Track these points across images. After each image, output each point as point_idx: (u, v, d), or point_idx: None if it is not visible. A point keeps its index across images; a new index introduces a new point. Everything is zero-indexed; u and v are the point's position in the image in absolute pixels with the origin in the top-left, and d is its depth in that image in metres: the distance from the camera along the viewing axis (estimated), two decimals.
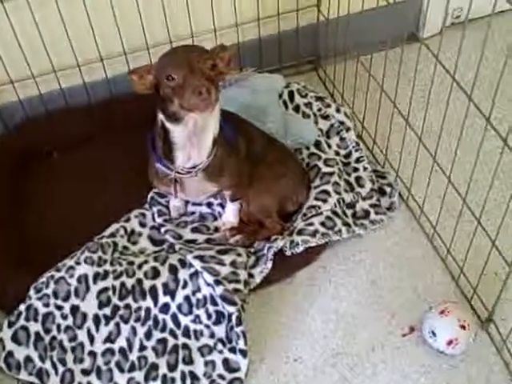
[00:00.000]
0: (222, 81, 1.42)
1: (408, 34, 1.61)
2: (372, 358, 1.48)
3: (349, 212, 1.72)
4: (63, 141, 2.02)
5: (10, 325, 1.48)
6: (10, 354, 1.44)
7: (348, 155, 1.86)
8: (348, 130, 1.88)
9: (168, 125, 1.39)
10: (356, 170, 1.82)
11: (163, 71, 1.30)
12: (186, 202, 1.77)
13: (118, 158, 1.90)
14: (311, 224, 1.64)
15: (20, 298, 1.51)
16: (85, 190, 1.88)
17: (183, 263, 1.56)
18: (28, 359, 1.44)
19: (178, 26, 1.98)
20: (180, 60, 1.29)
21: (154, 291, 1.52)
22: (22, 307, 1.49)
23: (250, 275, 1.56)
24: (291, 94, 1.97)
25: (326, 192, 1.71)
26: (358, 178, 1.80)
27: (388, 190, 1.79)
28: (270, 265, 1.56)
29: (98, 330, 1.49)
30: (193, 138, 1.40)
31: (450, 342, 1.41)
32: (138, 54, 1.99)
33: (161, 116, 1.39)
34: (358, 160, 1.84)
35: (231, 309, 1.45)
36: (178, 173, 1.47)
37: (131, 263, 1.57)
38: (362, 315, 1.56)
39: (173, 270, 1.55)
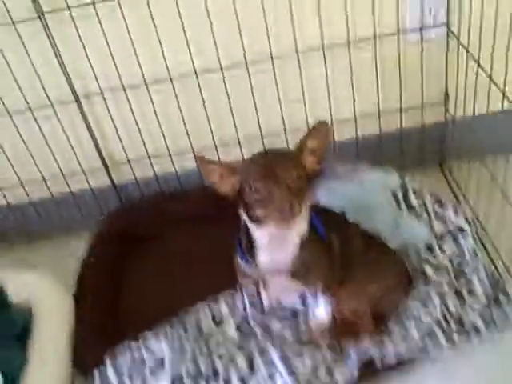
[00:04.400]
0: (313, 178, 1.44)
1: None
2: None
3: (454, 325, 1.65)
4: (175, 222, 2.21)
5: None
6: None
7: (462, 263, 1.81)
8: (465, 236, 1.84)
9: (250, 225, 1.43)
10: (470, 281, 1.76)
11: (248, 180, 1.35)
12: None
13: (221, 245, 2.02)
14: (407, 331, 1.61)
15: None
16: (182, 274, 2.01)
17: (266, 359, 1.59)
18: None
19: (294, 117, 2.13)
20: (265, 171, 1.33)
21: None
22: (96, 374, 1.61)
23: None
24: (406, 193, 1.99)
25: (430, 299, 1.67)
26: (470, 290, 1.73)
27: (505, 304, 1.70)
28: (355, 373, 1.54)
29: None
30: (276, 241, 1.44)
31: None
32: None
33: (244, 216, 1.45)
34: (473, 270, 1.78)
35: None
36: (260, 272, 1.53)
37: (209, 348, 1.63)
38: None
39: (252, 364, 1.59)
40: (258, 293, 1.80)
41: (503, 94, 1.63)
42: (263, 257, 1.49)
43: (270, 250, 1.48)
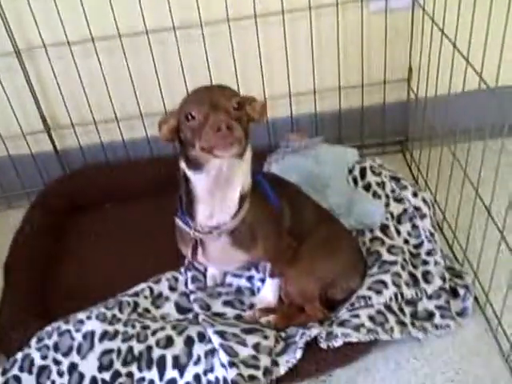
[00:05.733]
0: (250, 125, 1.31)
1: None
2: None
3: (407, 310, 1.54)
4: (119, 192, 2.07)
5: (4, 372, 1.43)
6: None
7: (419, 245, 1.70)
8: (423, 217, 1.74)
9: (189, 173, 1.31)
10: (425, 263, 1.65)
11: (184, 110, 1.24)
12: (225, 273, 1.69)
13: (169, 216, 1.88)
14: (357, 316, 1.48)
15: (22, 346, 1.47)
16: (127, 245, 1.90)
17: (202, 337, 1.46)
18: None
19: (253, 90, 1.99)
20: (202, 98, 1.23)
21: (162, 362, 1.42)
22: (19, 355, 1.44)
23: (275, 363, 1.42)
24: (363, 171, 1.87)
25: (383, 282, 1.55)
26: (425, 273, 1.62)
27: (462, 291, 1.60)
28: (299, 355, 1.41)
29: None
30: (216, 190, 1.32)
31: None
32: None
33: (182, 164, 1.33)
34: (429, 252, 1.67)
35: None
36: (198, 231, 1.39)
37: (146, 327, 1.49)
38: None
39: (189, 342, 1.44)
40: (205, 269, 1.68)
41: (468, 63, 1.50)
42: (202, 211, 1.35)
43: (209, 203, 1.34)
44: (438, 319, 1.54)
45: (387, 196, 1.81)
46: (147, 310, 1.59)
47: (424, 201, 1.77)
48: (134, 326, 1.49)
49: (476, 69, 1.45)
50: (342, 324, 1.47)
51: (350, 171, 1.88)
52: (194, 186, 1.33)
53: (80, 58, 1.92)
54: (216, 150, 1.18)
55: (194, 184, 1.32)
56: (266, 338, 1.45)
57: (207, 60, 1.92)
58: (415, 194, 1.79)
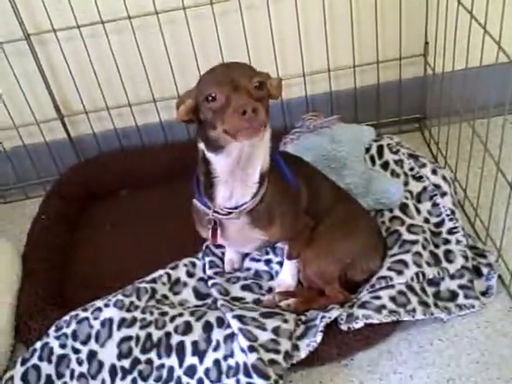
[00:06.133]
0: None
1: None
2: None
3: (430, 290, 1.51)
4: (134, 179, 2.05)
5: (23, 362, 1.43)
6: None
7: (440, 224, 1.65)
8: (444, 195, 1.69)
9: (209, 155, 1.28)
10: (447, 242, 1.61)
11: (203, 91, 1.19)
12: (244, 256, 1.66)
13: (185, 202, 1.86)
14: (378, 297, 1.44)
15: (41, 335, 1.46)
16: (143, 231, 1.88)
17: (221, 322, 1.43)
18: None
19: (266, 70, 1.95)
20: (222, 77, 1.17)
21: (181, 349, 1.40)
22: (38, 344, 1.44)
23: (295, 347, 1.39)
24: (380, 149, 1.82)
25: (404, 262, 1.51)
26: (447, 252, 1.58)
27: (485, 270, 1.56)
28: (319, 338, 1.38)
29: (112, 383, 1.38)
30: (236, 171, 1.28)
31: None
32: None
33: (201, 145, 1.29)
34: (450, 231, 1.63)
35: (262, 383, 1.28)
36: (217, 212, 1.36)
37: (164, 314, 1.47)
38: None
39: (207, 328, 1.42)
40: (223, 254, 1.66)
41: (486, 32, 1.43)
42: (222, 193, 1.33)
43: (230, 184, 1.31)
44: (461, 299, 1.50)
45: (406, 174, 1.76)
46: (165, 297, 1.57)
47: (444, 178, 1.72)
48: (152, 313, 1.47)
49: (494, 38, 1.40)
50: (362, 306, 1.44)
51: (367, 150, 1.83)
52: (213, 168, 1.29)
53: (90, 42, 1.89)
54: (241, 134, 1.14)
55: (214, 165, 1.29)
56: (285, 321, 1.42)
57: (219, 41, 1.88)
58: (435, 172, 1.74)
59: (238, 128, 1.13)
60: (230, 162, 1.26)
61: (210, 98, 1.17)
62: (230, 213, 1.35)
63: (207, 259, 1.65)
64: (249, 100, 1.12)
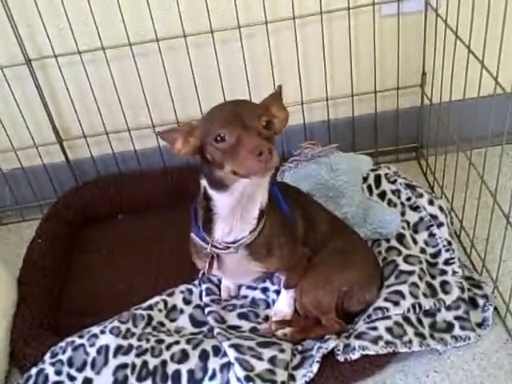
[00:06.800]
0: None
1: None
2: None
3: (426, 321, 1.50)
4: (132, 203, 2.05)
5: None
6: None
7: (436, 255, 1.66)
8: (440, 225, 1.69)
9: (211, 192, 1.27)
10: (443, 272, 1.61)
11: (211, 131, 1.16)
12: (240, 285, 1.66)
13: (181, 228, 1.86)
14: (375, 328, 1.44)
15: (37, 361, 1.45)
16: (141, 256, 1.87)
17: (217, 351, 1.43)
18: None
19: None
20: (231, 117, 1.15)
21: (177, 377, 1.39)
22: (34, 371, 1.42)
23: (291, 377, 1.38)
24: (378, 178, 1.83)
25: (400, 293, 1.51)
26: (443, 283, 1.58)
27: (481, 302, 1.56)
28: (315, 368, 1.38)
29: None
30: (237, 208, 1.28)
31: None
32: None
33: (204, 182, 1.29)
34: (447, 262, 1.63)
35: None
36: (215, 247, 1.36)
37: (160, 341, 1.47)
38: None
39: (204, 356, 1.42)
40: (219, 281, 1.65)
41: (483, 66, 1.45)
42: (221, 229, 1.32)
43: (230, 220, 1.30)
44: (457, 330, 1.50)
45: (403, 204, 1.76)
46: (161, 324, 1.56)
47: (441, 209, 1.73)
48: (148, 340, 1.46)
49: (491, 73, 1.41)
50: (359, 336, 1.43)
51: (365, 179, 1.84)
52: (215, 205, 1.29)
53: (91, 68, 1.90)
54: (254, 174, 1.12)
55: (215, 202, 1.29)
56: (282, 351, 1.42)
57: (218, 68, 1.89)
58: (431, 202, 1.74)
59: (254, 169, 1.11)
60: (232, 200, 1.26)
61: (219, 139, 1.15)
62: (228, 247, 1.34)
63: (204, 286, 1.65)
64: (262, 141, 1.10)
